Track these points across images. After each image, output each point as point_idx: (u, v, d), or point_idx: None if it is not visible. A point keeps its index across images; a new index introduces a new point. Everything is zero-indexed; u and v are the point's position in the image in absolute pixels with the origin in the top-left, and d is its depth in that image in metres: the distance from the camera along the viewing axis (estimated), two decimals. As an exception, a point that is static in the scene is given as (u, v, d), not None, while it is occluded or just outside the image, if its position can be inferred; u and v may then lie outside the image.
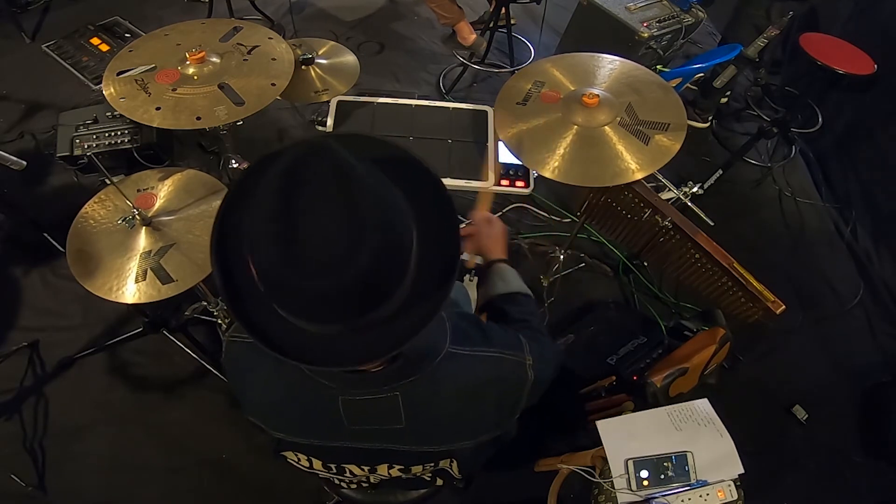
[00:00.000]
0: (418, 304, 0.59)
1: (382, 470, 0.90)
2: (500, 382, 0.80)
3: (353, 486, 1.01)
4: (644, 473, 1.18)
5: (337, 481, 1.00)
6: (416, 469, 0.90)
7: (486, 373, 0.78)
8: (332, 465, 0.90)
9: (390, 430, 0.77)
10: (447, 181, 1.51)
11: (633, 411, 1.47)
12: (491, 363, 0.79)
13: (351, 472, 0.92)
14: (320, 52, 1.88)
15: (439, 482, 1.02)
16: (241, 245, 0.57)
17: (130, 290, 1.28)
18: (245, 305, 0.58)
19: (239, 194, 0.61)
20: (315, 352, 0.58)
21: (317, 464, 0.90)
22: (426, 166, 0.64)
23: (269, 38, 1.69)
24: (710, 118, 2.93)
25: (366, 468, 0.90)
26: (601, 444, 1.24)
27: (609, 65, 1.59)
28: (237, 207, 0.60)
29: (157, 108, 1.45)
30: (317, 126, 1.72)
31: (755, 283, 1.50)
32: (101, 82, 1.64)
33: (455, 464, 0.89)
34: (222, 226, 0.60)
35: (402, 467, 0.89)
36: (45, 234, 2.08)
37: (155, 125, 1.44)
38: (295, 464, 0.92)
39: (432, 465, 0.90)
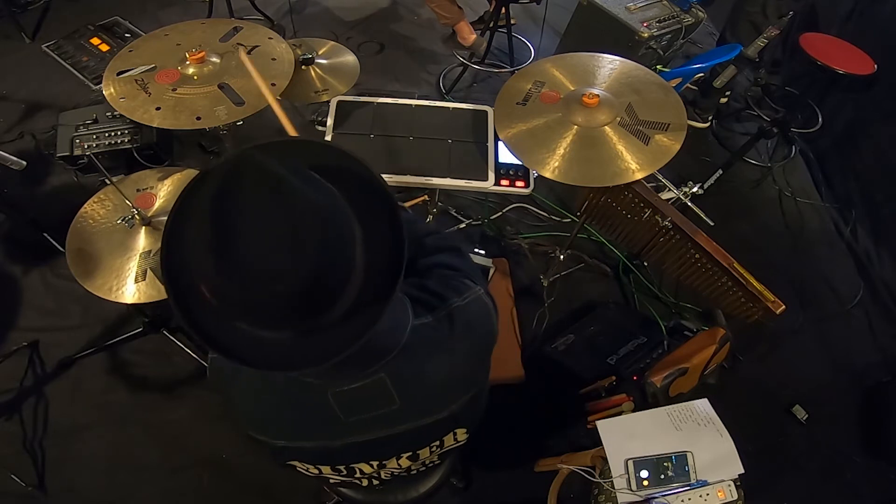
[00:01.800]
0: (368, 303, 0.59)
1: (391, 463, 0.90)
2: (471, 327, 0.81)
3: (365, 481, 1.01)
4: (644, 473, 1.18)
5: (347, 482, 1.00)
6: (424, 454, 0.90)
7: (456, 327, 0.79)
8: (342, 468, 0.90)
9: (388, 414, 0.77)
10: (447, 181, 1.51)
11: (633, 411, 1.47)
12: (456, 315, 0.80)
13: (361, 471, 0.92)
14: (320, 52, 1.88)
15: (450, 457, 1.03)
16: (188, 271, 0.56)
17: (130, 290, 1.28)
18: (198, 318, 0.58)
19: (178, 220, 0.60)
20: (270, 357, 0.59)
21: (325, 469, 0.90)
22: (359, 160, 0.63)
23: (269, 38, 1.69)
24: (710, 118, 2.93)
25: (374, 464, 0.90)
26: (601, 444, 1.24)
27: (609, 65, 1.59)
28: (178, 234, 0.59)
29: (157, 108, 1.45)
30: (317, 126, 1.72)
31: (755, 283, 1.50)
32: (101, 82, 1.64)
33: (460, 430, 0.90)
34: (169, 249, 0.59)
35: (411, 454, 0.89)
36: (45, 234, 2.08)
37: (155, 125, 1.44)
38: (304, 472, 0.92)
39: (438, 444, 0.90)
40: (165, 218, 1.43)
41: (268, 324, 0.57)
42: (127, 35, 2.97)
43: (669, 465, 1.18)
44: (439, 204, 2.03)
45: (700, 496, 1.17)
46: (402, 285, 0.79)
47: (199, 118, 1.45)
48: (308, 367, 0.62)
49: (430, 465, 1.00)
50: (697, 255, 1.61)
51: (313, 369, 0.68)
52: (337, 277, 0.56)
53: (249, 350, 0.58)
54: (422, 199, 2.11)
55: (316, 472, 0.91)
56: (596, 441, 1.27)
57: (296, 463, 0.89)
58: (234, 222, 0.51)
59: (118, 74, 1.52)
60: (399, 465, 0.91)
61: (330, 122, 1.60)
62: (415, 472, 1.01)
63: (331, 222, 0.55)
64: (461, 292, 0.83)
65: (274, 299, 0.53)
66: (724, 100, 2.97)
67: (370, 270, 0.59)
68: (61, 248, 1.93)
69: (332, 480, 0.96)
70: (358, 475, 0.93)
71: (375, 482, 1.01)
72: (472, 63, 3.06)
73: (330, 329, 0.58)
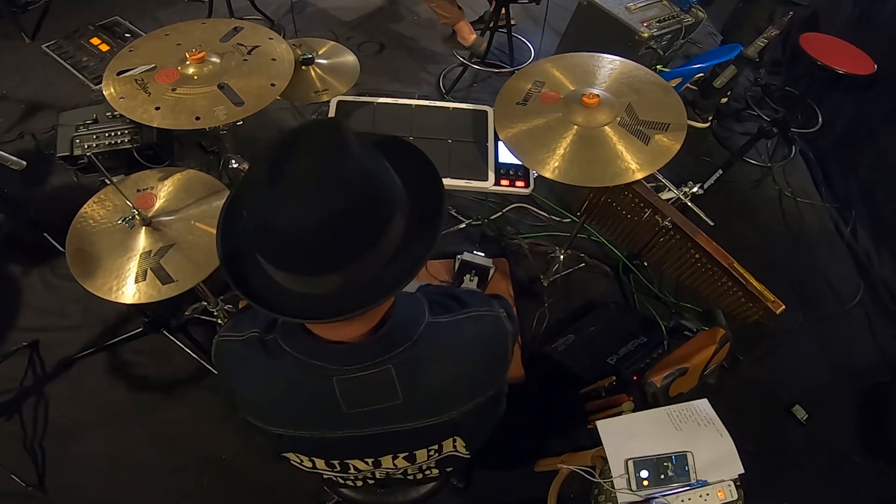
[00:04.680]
0: (403, 254, 0.64)
1: (387, 462, 0.90)
2: (484, 339, 0.83)
3: (360, 482, 1.01)
4: (644, 473, 1.18)
5: (341, 480, 1.00)
6: (421, 455, 0.90)
7: (469, 332, 0.82)
8: (336, 462, 0.90)
9: (389, 409, 0.77)
10: (447, 181, 1.51)
11: (633, 411, 1.47)
12: (471, 323, 0.82)
13: (355, 468, 0.91)
14: (320, 52, 1.88)
15: (449, 470, 1.03)
16: (240, 200, 0.64)
17: (130, 290, 1.28)
18: (240, 267, 0.64)
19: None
20: (308, 308, 0.63)
21: (319, 463, 0.90)
22: (417, 149, 0.73)
23: (270, 39, 1.69)
24: (710, 118, 2.93)
25: (369, 461, 0.90)
26: (601, 444, 1.24)
27: (609, 65, 1.59)
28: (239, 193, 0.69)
29: (157, 108, 1.45)
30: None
31: (755, 283, 1.50)
32: (101, 82, 1.64)
33: (459, 441, 0.90)
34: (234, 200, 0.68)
35: (407, 454, 0.89)
36: (45, 234, 2.08)
37: (154, 125, 1.44)
38: (298, 465, 0.92)
39: (436, 449, 0.89)
40: (166, 218, 1.44)
41: (302, 265, 0.61)
42: (127, 35, 2.97)
43: (669, 465, 1.18)
44: (439, 204, 2.03)
45: (700, 496, 1.17)
46: (427, 294, 0.84)
47: (198, 118, 1.45)
48: (342, 313, 0.63)
49: (428, 471, 1.00)
50: (697, 255, 1.61)
51: (331, 349, 0.72)
52: (371, 218, 0.60)
53: (280, 301, 0.63)
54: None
55: (310, 465, 0.90)
56: (596, 441, 1.27)
57: (291, 455, 0.89)
58: (291, 154, 0.57)
59: (118, 74, 1.52)
60: (395, 465, 0.91)
61: (330, 122, 1.60)
62: (411, 477, 1.00)
63: (376, 173, 0.61)
64: (483, 305, 0.85)
65: (305, 224, 0.57)
66: (724, 100, 2.97)
67: (409, 226, 0.65)
68: (61, 248, 1.93)
69: (325, 476, 0.96)
70: (352, 471, 0.92)
71: (371, 482, 1.00)
72: (472, 63, 3.07)
73: (375, 272, 0.63)
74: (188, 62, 1.54)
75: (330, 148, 0.58)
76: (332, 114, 1.61)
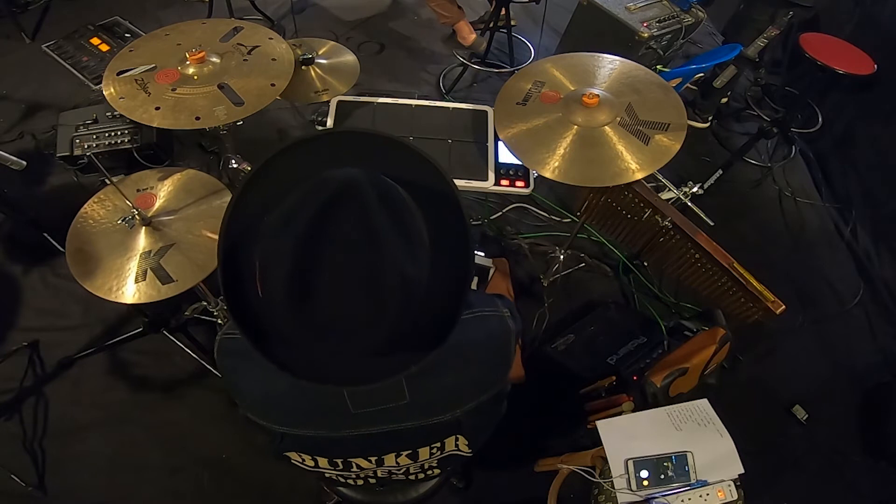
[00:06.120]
0: (413, 348, 0.64)
1: (390, 460, 0.90)
2: (489, 338, 0.84)
3: (360, 481, 1.01)
4: (644, 473, 1.18)
5: (342, 479, 1.00)
6: (424, 453, 0.90)
7: (475, 332, 0.82)
8: (339, 461, 0.90)
9: (396, 409, 0.78)
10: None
11: (633, 411, 1.47)
12: (477, 323, 0.83)
13: (358, 466, 0.92)
14: (320, 52, 1.88)
15: (450, 468, 1.03)
16: (252, 269, 0.61)
17: (130, 290, 1.28)
18: (252, 324, 0.63)
19: (253, 207, 0.63)
20: (313, 369, 0.63)
21: (322, 462, 0.90)
22: (457, 199, 0.66)
23: (270, 39, 1.69)
24: (710, 118, 2.93)
25: (373, 459, 0.90)
26: (601, 444, 1.24)
27: (609, 65, 1.59)
28: (251, 224, 0.62)
29: (157, 108, 1.45)
30: (317, 126, 1.72)
31: (755, 283, 1.50)
32: (101, 82, 1.64)
33: (462, 439, 0.90)
34: (235, 226, 0.63)
35: (410, 452, 0.89)
36: (45, 234, 2.08)
37: (154, 125, 1.44)
38: (299, 464, 0.92)
39: (439, 447, 0.90)
40: (166, 218, 1.44)
41: (323, 349, 0.62)
42: (127, 35, 2.97)
43: (669, 465, 1.18)
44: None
45: (700, 496, 1.17)
46: None
47: (198, 118, 1.44)
48: (342, 387, 0.68)
49: (429, 471, 1.00)
50: (697, 255, 1.61)
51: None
52: (399, 334, 0.60)
53: (292, 360, 0.63)
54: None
55: (312, 464, 0.90)
56: (596, 441, 1.27)
57: (292, 454, 0.89)
58: (320, 265, 0.54)
59: (118, 74, 1.52)
60: (398, 462, 0.91)
61: (330, 122, 1.60)
62: (413, 476, 1.00)
63: (413, 293, 0.59)
64: (488, 305, 0.86)
65: (337, 353, 0.60)
66: (724, 100, 2.97)
67: (426, 313, 0.62)
68: (61, 248, 1.93)
69: (326, 475, 0.96)
70: (355, 470, 0.93)
71: (372, 481, 1.01)
72: (472, 63, 3.07)
73: (373, 360, 0.63)
74: (188, 62, 1.54)
75: (367, 264, 0.56)
76: (332, 114, 1.61)
